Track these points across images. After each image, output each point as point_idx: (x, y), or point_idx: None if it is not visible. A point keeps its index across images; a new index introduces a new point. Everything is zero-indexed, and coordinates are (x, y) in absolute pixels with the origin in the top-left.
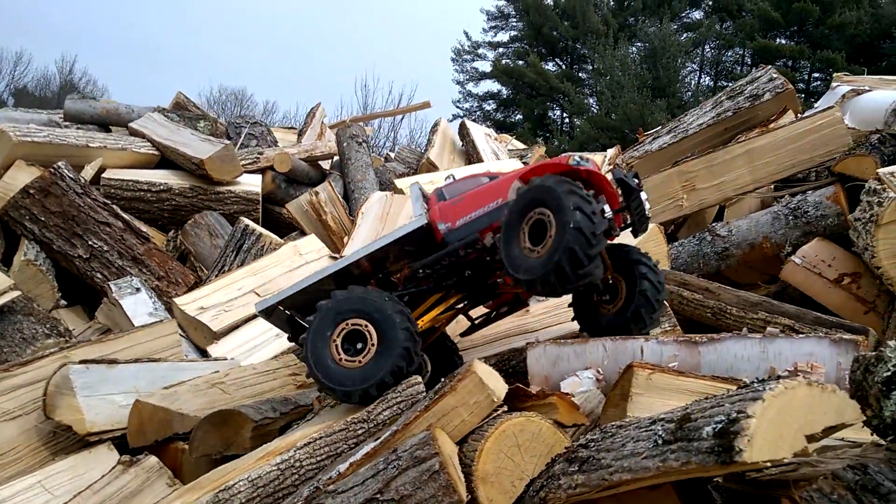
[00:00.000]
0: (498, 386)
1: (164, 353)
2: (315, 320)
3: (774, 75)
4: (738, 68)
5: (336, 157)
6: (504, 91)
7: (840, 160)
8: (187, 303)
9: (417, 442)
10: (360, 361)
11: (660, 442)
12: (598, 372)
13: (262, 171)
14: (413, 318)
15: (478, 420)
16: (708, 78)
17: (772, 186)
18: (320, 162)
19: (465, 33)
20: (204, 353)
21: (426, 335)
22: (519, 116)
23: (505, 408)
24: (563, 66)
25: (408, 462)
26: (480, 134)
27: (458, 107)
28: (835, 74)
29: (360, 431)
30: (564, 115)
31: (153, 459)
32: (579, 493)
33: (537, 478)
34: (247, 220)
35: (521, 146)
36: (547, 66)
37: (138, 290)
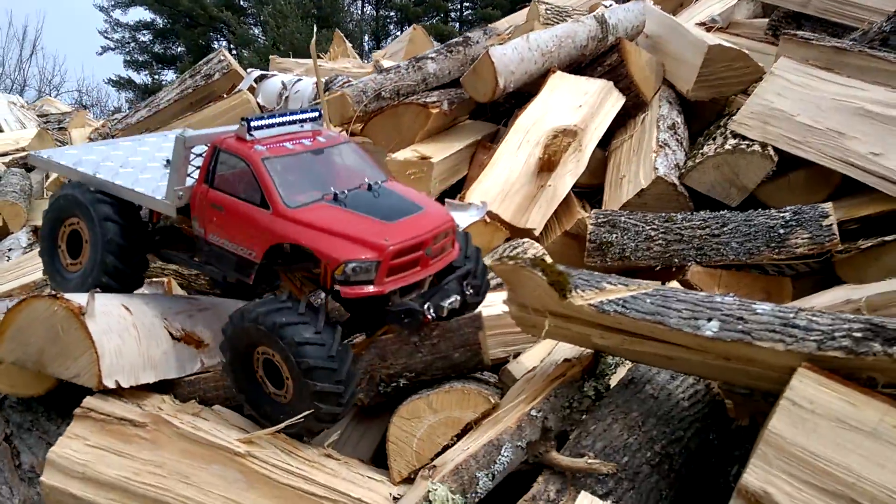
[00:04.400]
0: None
1: None
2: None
3: (222, 57)
4: None
5: None
6: (159, 20)
7: None
8: None
9: None
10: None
11: None
12: None
13: None
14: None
15: None
16: (370, 7)
17: None
18: None
19: None
20: None
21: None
22: (181, 48)
23: None
24: None
25: None
26: (2, 102)
27: (106, 37)
28: (270, 56)
29: None
30: (232, 46)
31: None
32: None
33: None
34: None
35: (66, 109)
36: None
37: None
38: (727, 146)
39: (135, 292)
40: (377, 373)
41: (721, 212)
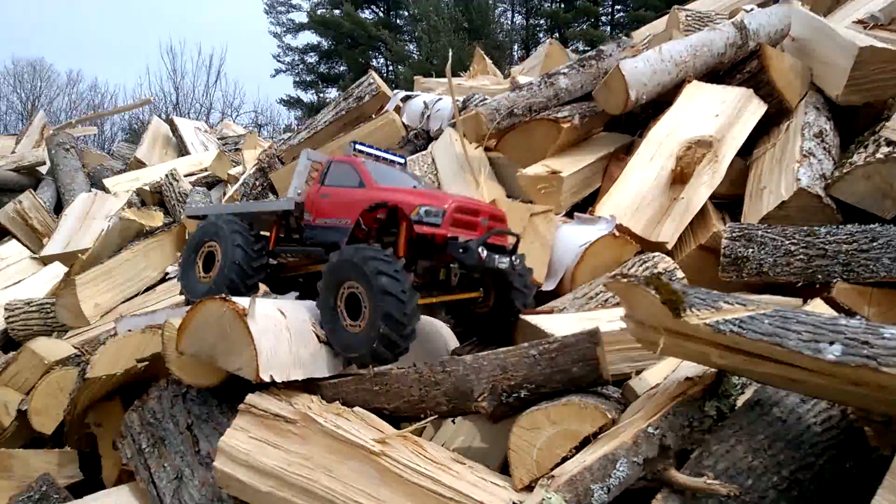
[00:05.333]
0: (54, 352)
1: None
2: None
3: (371, 81)
4: (548, 4)
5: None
6: (324, 42)
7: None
8: None
9: None
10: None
11: None
12: None
13: None
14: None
15: (37, 376)
16: (520, 17)
17: None
18: (39, 167)
19: None
20: None
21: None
22: (343, 67)
23: None
24: (380, 14)
25: None
26: (189, 128)
27: (279, 61)
28: (414, 77)
29: None
30: (389, 63)
31: None
32: None
33: None
34: None
35: (241, 131)
36: (363, 15)
37: None
38: (879, 154)
39: (287, 298)
40: (499, 384)
41: (871, 225)
